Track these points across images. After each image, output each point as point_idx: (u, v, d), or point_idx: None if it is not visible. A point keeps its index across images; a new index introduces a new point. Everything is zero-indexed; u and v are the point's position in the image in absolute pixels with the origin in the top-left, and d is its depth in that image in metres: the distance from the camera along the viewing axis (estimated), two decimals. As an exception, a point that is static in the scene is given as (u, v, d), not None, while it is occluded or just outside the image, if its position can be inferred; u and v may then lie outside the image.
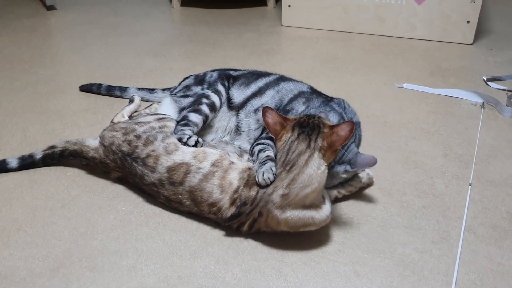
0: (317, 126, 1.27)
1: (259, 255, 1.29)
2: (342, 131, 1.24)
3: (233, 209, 1.29)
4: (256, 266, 1.25)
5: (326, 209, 1.29)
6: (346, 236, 1.35)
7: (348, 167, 1.38)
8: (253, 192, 1.27)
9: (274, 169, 1.27)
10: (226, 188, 1.30)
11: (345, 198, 1.48)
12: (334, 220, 1.39)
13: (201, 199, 1.32)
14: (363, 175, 1.52)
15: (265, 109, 1.31)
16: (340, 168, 1.39)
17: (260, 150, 1.39)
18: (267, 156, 1.34)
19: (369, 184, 1.55)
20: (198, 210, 1.35)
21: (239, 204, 1.28)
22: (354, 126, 1.24)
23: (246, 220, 1.29)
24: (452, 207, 1.47)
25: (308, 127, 1.27)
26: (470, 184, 1.57)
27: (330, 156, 1.27)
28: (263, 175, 1.25)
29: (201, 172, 1.32)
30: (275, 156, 1.33)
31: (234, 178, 1.30)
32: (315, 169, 1.24)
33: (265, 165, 1.29)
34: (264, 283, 1.20)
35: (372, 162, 1.36)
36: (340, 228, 1.38)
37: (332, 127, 1.26)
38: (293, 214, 1.25)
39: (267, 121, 1.31)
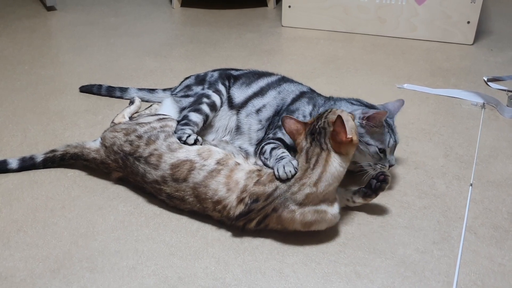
0: (322, 129, 1.30)
1: (260, 255, 1.28)
2: (337, 126, 1.26)
3: (241, 207, 1.29)
4: (257, 266, 1.25)
5: (336, 206, 1.31)
6: (347, 237, 1.35)
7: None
8: (269, 189, 1.28)
9: (294, 162, 1.29)
10: (232, 187, 1.30)
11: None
12: (335, 221, 1.40)
13: (205, 196, 1.32)
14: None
15: (284, 118, 1.35)
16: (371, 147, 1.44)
17: (273, 148, 1.42)
18: (283, 152, 1.37)
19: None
20: (201, 207, 1.34)
21: (249, 202, 1.28)
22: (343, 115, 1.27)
23: (255, 217, 1.29)
24: (453, 208, 1.47)
25: (316, 132, 1.30)
26: (471, 185, 1.57)
27: (347, 149, 1.29)
28: (284, 168, 1.27)
29: (206, 169, 1.33)
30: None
31: (241, 178, 1.31)
32: (337, 167, 1.27)
33: (284, 159, 1.31)
34: (265, 283, 1.20)
35: (401, 103, 1.56)
36: (341, 228, 1.37)
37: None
38: (311, 209, 1.27)
39: (285, 130, 1.37)
